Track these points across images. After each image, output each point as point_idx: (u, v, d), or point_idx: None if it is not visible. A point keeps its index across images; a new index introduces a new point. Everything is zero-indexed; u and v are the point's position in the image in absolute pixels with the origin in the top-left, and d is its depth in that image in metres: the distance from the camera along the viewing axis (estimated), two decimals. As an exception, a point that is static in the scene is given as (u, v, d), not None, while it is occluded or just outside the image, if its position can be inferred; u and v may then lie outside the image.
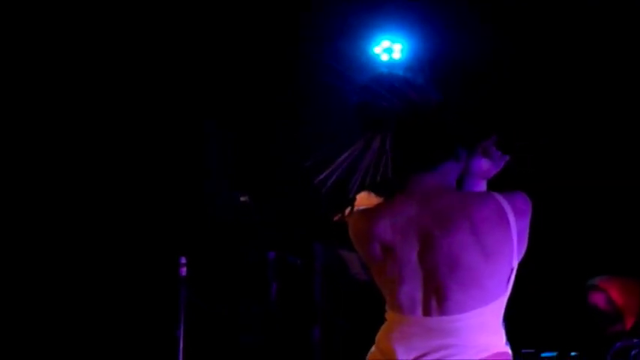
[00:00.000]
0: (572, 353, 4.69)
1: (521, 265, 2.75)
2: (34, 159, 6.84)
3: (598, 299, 5.25)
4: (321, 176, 2.69)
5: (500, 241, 2.68)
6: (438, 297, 2.70)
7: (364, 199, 2.87)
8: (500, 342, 2.69)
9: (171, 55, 6.81)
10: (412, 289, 2.73)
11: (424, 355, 2.67)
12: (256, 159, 6.89)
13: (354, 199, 2.92)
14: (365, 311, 4.33)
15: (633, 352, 4.42)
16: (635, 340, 4.47)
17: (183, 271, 5.70)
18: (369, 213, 2.80)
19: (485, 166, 2.87)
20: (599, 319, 5.18)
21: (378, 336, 2.79)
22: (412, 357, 2.69)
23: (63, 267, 6.73)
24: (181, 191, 6.99)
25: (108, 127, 6.90)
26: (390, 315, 2.76)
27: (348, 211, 2.92)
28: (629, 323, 5.16)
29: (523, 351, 4.77)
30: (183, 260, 5.72)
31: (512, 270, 2.68)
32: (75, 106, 6.86)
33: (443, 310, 2.68)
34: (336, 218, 3.00)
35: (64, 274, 6.71)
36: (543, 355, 4.81)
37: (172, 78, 6.90)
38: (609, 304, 5.23)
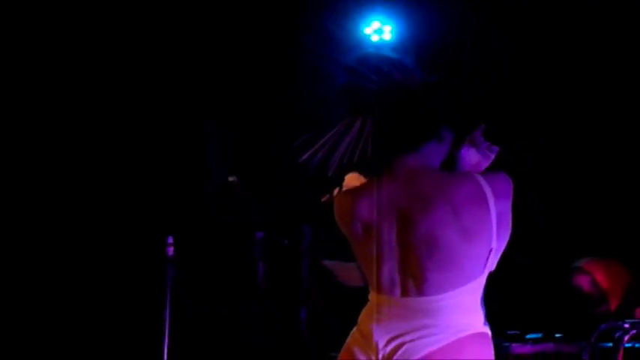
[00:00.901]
0: (557, 335, 4.70)
1: (507, 247, 2.75)
2: (26, 150, 6.86)
3: (582, 281, 5.34)
4: (305, 155, 2.71)
5: (478, 222, 2.69)
6: (415, 277, 2.71)
7: (353, 180, 2.92)
8: (478, 322, 2.70)
9: (170, 54, 6.88)
10: (391, 270, 2.75)
11: (401, 335, 2.69)
12: (247, 144, 6.92)
13: (342, 180, 2.98)
14: (350, 293, 4.35)
15: (617, 334, 4.38)
16: (619, 322, 4.44)
17: (170, 250, 5.69)
18: (352, 193, 2.84)
19: (475, 158, 2.89)
20: (583, 301, 5.25)
21: (360, 317, 2.81)
22: (389, 337, 2.70)
23: (49, 248, 6.75)
24: (167, 172, 6.99)
25: (106, 121, 6.94)
26: (371, 295, 2.78)
27: (335, 192, 2.96)
28: (613, 305, 5.28)
29: (508, 332, 4.80)
30: (170, 240, 5.70)
31: (491, 251, 2.69)
32: (72, 101, 6.91)
33: (421, 291, 2.70)
34: (324, 199, 3.08)
35: (50, 255, 6.74)
36: (528, 336, 4.82)
37: (171, 77, 6.96)
38: (593, 286, 5.31)
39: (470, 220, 2.68)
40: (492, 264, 2.76)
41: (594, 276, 5.37)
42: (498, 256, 2.75)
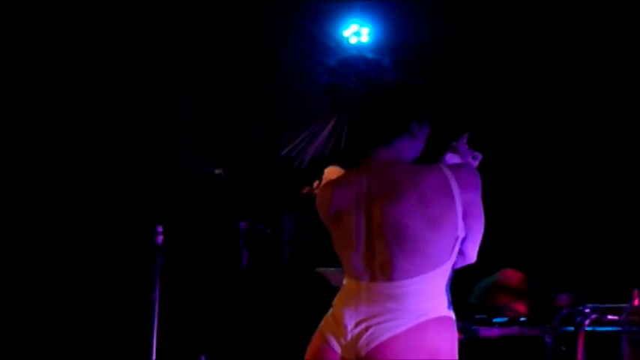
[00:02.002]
0: (522, 319, 4.68)
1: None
2: (21, 143, 6.76)
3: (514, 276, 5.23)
4: (286, 150, 2.76)
5: (444, 211, 2.70)
6: (384, 264, 2.72)
7: (332, 173, 3.01)
8: (442, 306, 2.72)
9: (148, 36, 6.81)
10: (362, 256, 2.76)
11: (368, 318, 2.70)
12: (229, 136, 6.90)
13: (322, 173, 3.11)
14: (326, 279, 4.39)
15: (578, 318, 4.35)
16: (580, 307, 4.40)
17: (160, 239, 5.78)
18: (330, 184, 2.89)
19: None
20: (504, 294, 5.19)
21: (334, 300, 2.83)
22: (357, 320, 2.72)
23: (45, 239, 6.73)
24: (157, 165, 6.95)
25: (85, 103, 6.86)
26: (345, 281, 2.82)
27: (316, 184, 3.09)
28: (521, 307, 5.17)
29: (476, 317, 4.80)
30: (160, 229, 5.80)
31: (457, 239, 2.72)
32: (50, 83, 6.80)
33: (388, 277, 2.71)
34: (304, 191, 3.23)
35: (46, 245, 6.71)
36: (495, 320, 4.79)
37: (149, 57, 6.90)
38: (521, 283, 5.23)
39: (436, 209, 2.69)
40: (472, 255, 2.80)
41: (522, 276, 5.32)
42: (476, 246, 2.79)
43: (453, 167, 2.76)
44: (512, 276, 5.11)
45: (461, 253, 2.78)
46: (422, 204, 2.69)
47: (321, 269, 3.28)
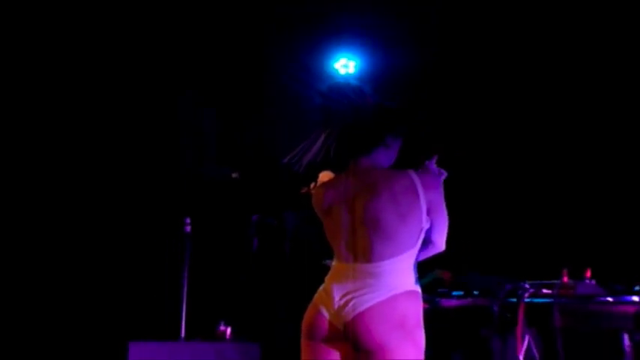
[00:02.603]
0: (475, 292, 4.55)
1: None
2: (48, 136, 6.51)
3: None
4: (287, 158, 2.78)
5: (411, 207, 2.73)
6: (364, 248, 2.75)
7: (325, 176, 3.01)
8: (410, 282, 2.73)
9: (148, 37, 6.46)
10: (347, 243, 2.78)
11: (351, 292, 2.72)
12: (243, 148, 6.75)
13: (317, 176, 3.06)
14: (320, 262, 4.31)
15: (519, 292, 4.27)
16: (520, 283, 4.31)
17: (188, 228, 5.81)
18: (324, 185, 2.91)
19: None
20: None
21: (325, 278, 2.84)
22: (343, 293, 2.74)
23: (90, 227, 6.63)
24: (186, 167, 6.79)
25: (85, 103, 6.51)
26: (335, 262, 2.84)
27: (312, 185, 3.04)
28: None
29: (439, 290, 4.75)
30: (188, 220, 5.83)
31: (421, 229, 2.75)
32: (58, 85, 6.44)
33: (367, 259, 2.73)
34: (303, 191, 3.16)
35: (90, 232, 6.62)
36: (454, 293, 4.68)
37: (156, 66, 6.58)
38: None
39: (404, 205, 2.72)
40: (439, 244, 2.80)
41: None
42: (443, 236, 2.79)
43: (419, 173, 2.79)
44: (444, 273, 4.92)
45: (431, 242, 2.81)
46: (393, 201, 2.72)
47: (327, 261, 3.25)
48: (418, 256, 2.78)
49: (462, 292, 4.65)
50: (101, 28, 6.38)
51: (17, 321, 6.32)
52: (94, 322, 6.34)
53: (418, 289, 2.75)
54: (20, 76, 6.36)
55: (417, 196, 2.73)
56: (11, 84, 6.36)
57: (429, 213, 2.74)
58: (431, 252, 2.83)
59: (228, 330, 5.74)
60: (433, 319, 4.41)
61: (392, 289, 2.69)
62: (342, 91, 2.80)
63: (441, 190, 2.79)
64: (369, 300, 2.68)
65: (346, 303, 2.71)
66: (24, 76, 6.37)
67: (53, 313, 6.40)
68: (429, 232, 2.78)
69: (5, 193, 6.42)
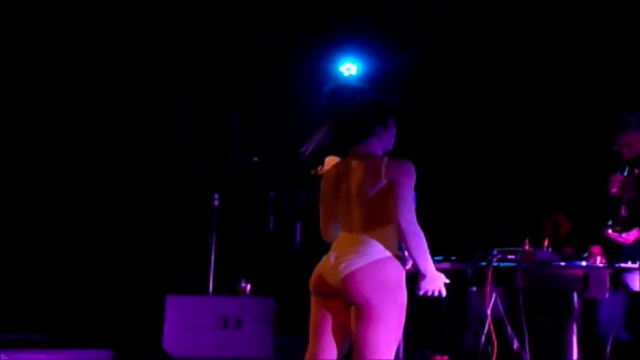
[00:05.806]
0: (452, 257, 4.59)
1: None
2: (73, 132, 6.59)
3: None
4: (302, 148, 2.97)
5: (379, 186, 2.89)
6: (356, 220, 2.92)
7: (332, 160, 3.23)
8: (394, 249, 2.89)
9: (148, 37, 6.51)
10: (345, 215, 2.96)
11: (344, 255, 2.91)
12: (264, 137, 6.93)
13: (324, 160, 3.35)
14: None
15: (489, 257, 4.39)
16: (490, 250, 4.43)
17: (216, 202, 6.05)
18: (333, 167, 3.10)
19: None
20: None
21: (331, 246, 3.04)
22: (337, 255, 2.93)
23: (125, 199, 6.84)
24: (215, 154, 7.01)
25: (85, 103, 6.50)
26: (340, 232, 3.02)
27: (320, 167, 3.35)
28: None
29: None
30: (216, 196, 6.06)
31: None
32: (62, 85, 6.44)
33: (358, 229, 2.91)
34: (312, 172, 3.43)
35: (125, 204, 6.82)
36: (435, 258, 4.14)
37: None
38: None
39: (377, 185, 2.89)
40: (399, 221, 2.80)
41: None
42: (412, 211, 2.84)
43: (390, 159, 2.94)
44: None
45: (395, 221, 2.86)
46: (372, 180, 2.91)
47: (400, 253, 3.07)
48: (408, 245, 2.86)
49: (440, 257, 4.62)
50: (100, 26, 6.39)
51: (73, 277, 6.60)
52: (140, 278, 6.62)
53: (402, 254, 2.91)
54: (23, 76, 6.34)
55: (380, 177, 2.90)
56: (13, 84, 6.33)
57: (391, 191, 2.85)
58: (407, 237, 2.83)
59: (248, 286, 5.99)
60: (414, 282, 3.80)
61: (377, 254, 2.86)
62: (339, 93, 2.95)
63: (404, 175, 2.86)
64: (357, 263, 2.86)
65: (339, 264, 2.90)
66: (27, 76, 6.35)
67: (110, 268, 6.65)
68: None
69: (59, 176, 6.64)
